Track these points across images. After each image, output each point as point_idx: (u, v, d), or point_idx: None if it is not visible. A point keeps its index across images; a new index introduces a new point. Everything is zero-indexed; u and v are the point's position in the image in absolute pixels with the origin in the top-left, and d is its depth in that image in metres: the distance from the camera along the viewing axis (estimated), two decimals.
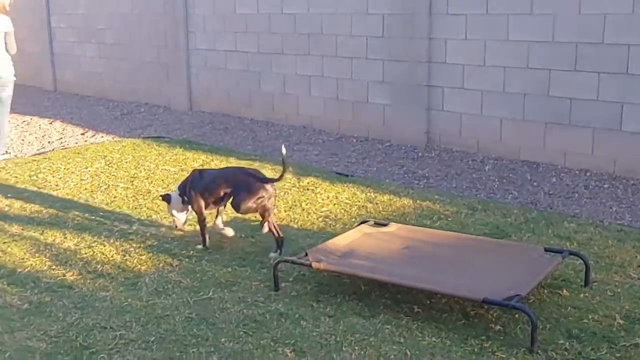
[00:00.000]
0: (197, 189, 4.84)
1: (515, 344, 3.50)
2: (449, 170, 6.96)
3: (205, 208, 4.87)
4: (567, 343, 3.49)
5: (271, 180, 4.64)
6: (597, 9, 6.44)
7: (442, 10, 7.53)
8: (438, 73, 7.70)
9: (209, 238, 4.95)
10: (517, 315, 3.74)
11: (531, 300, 3.95)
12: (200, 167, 5.54)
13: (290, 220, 5.47)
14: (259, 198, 4.55)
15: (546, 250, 4.31)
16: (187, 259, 4.71)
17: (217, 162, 7.28)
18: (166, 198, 5.06)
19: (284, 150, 4.62)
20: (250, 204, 4.57)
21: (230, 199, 4.70)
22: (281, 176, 4.57)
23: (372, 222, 4.88)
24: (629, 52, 6.31)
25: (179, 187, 5.04)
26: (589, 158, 6.71)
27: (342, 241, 4.50)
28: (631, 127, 6.42)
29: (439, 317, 3.81)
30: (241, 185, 4.63)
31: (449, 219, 5.43)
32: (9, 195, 6.14)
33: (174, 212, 5.09)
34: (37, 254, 4.84)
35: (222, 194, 4.74)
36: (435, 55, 7.68)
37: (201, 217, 4.88)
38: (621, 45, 6.35)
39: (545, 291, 4.09)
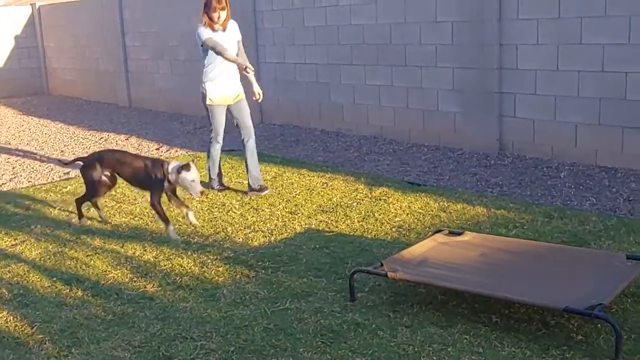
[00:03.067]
0: None
1: (598, 355, 3.42)
2: (522, 178, 6.86)
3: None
4: None
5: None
6: None
7: (512, 15, 7.44)
8: (509, 79, 7.61)
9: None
10: (599, 325, 3.66)
11: (614, 310, 3.85)
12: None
13: (364, 231, 5.49)
14: None
15: (628, 257, 4.19)
16: (263, 270, 4.78)
17: (289, 174, 7.36)
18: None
19: None
20: None
21: None
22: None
23: (447, 231, 4.85)
24: None
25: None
26: None
27: (417, 250, 4.48)
28: None
29: (518, 327, 3.75)
30: None
31: (525, 227, 5.35)
32: (91, 209, 6.34)
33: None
34: (118, 267, 4.99)
35: None
36: (506, 61, 7.59)
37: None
38: None
39: (629, 300, 3.99)
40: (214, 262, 4.97)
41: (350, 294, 4.22)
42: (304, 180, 7.11)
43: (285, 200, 6.44)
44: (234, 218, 5.99)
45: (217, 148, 6.79)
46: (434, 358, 3.47)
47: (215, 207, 6.33)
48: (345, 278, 4.41)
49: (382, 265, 4.23)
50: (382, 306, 4.11)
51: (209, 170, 6.88)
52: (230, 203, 6.44)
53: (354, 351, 3.58)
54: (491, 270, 4.19)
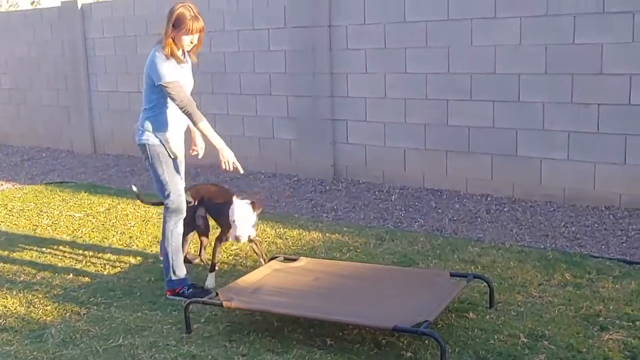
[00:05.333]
0: None
1: None
2: (356, 202, 7.08)
3: None
4: None
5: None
6: (488, 41, 6.74)
7: (341, 46, 7.71)
8: (341, 107, 7.86)
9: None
10: (427, 341, 3.82)
11: (439, 325, 4.05)
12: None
13: (201, 260, 5.43)
14: None
15: (452, 275, 4.44)
16: (95, 307, 4.60)
17: (123, 206, 7.17)
18: None
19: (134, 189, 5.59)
20: None
21: None
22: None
23: (282, 258, 4.90)
24: (519, 81, 6.62)
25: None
26: (489, 183, 6.97)
27: (252, 278, 4.50)
28: (525, 152, 6.72)
29: (351, 348, 3.85)
30: None
31: (358, 250, 5.51)
32: None
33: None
34: None
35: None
36: (337, 89, 7.84)
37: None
38: (512, 74, 6.66)
39: (453, 315, 4.20)
40: (41, 301, 4.73)
41: (186, 326, 4.15)
42: (139, 211, 6.95)
43: (119, 232, 6.26)
44: (64, 253, 5.74)
45: (180, 224, 4.70)
46: None
47: (44, 243, 6.04)
48: (181, 310, 4.34)
49: (217, 295, 4.20)
50: (218, 336, 4.08)
51: (171, 266, 4.63)
52: (61, 237, 6.17)
53: None
54: (325, 294, 4.28)
